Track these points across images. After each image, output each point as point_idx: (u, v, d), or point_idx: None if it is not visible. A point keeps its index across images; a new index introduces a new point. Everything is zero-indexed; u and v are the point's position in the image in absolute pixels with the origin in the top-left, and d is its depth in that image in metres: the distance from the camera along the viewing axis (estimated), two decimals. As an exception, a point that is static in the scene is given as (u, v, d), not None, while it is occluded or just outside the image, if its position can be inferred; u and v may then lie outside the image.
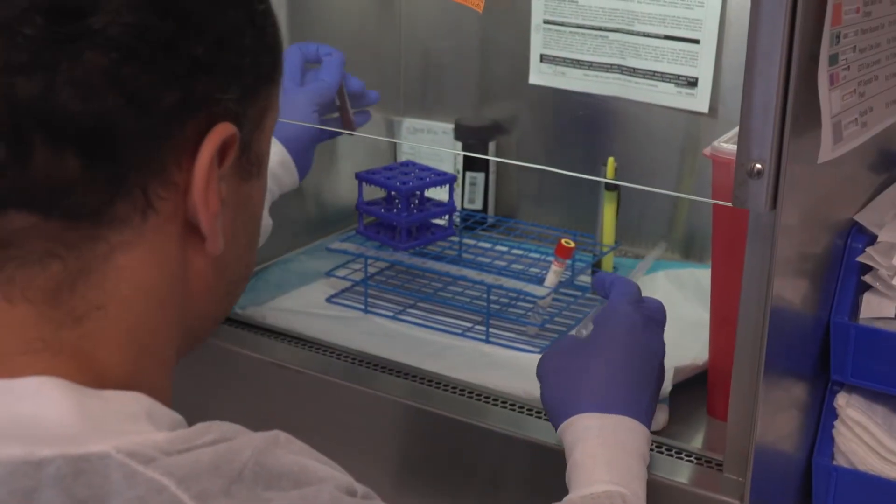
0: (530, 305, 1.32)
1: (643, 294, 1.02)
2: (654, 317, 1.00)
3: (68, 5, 0.57)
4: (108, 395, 0.61)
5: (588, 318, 0.99)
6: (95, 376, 0.62)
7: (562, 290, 1.35)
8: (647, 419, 0.94)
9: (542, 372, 0.98)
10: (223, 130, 0.64)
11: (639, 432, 0.92)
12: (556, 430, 0.94)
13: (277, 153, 1.24)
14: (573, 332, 1.00)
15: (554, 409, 0.95)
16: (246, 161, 0.69)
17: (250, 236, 0.74)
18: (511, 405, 1.12)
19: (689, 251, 1.52)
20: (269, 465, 0.59)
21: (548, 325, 1.29)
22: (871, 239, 1.03)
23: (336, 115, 1.35)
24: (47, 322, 0.61)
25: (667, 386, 1.10)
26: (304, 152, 1.29)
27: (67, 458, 0.55)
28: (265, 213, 1.21)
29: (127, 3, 0.58)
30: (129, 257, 0.63)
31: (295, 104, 1.27)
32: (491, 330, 1.28)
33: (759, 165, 0.83)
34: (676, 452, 1.04)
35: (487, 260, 1.48)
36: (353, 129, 1.35)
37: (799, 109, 0.83)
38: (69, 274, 0.61)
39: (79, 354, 0.62)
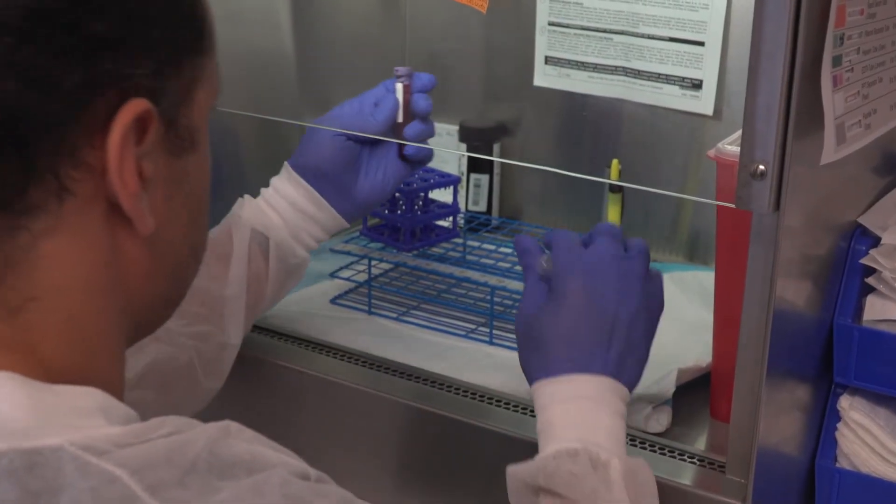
0: (534, 307, 1.32)
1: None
2: (602, 257, 0.96)
3: None
4: (60, 389, 0.60)
5: (544, 259, 0.99)
6: (44, 369, 0.61)
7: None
8: (614, 367, 0.93)
9: (516, 334, 0.99)
10: (135, 107, 0.62)
11: (603, 385, 0.92)
12: None
13: (299, 188, 1.18)
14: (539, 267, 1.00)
15: (525, 374, 0.97)
16: (175, 136, 0.67)
17: (193, 214, 0.72)
18: (514, 406, 1.12)
19: (692, 253, 1.52)
20: (222, 455, 0.58)
21: (551, 327, 1.28)
22: (875, 241, 1.03)
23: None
24: None
25: (670, 387, 1.11)
26: (337, 185, 1.19)
27: (20, 452, 0.55)
28: (301, 250, 1.20)
29: None
30: (53, 244, 0.62)
31: (317, 132, 1.20)
32: (494, 331, 1.28)
33: (762, 167, 0.83)
34: (679, 454, 1.04)
35: (491, 262, 1.48)
36: (402, 137, 1.22)
37: (802, 111, 0.83)
38: None
39: (22, 348, 0.61)
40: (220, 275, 1.13)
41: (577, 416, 0.91)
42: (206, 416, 0.65)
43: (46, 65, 0.58)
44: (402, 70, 1.23)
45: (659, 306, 0.99)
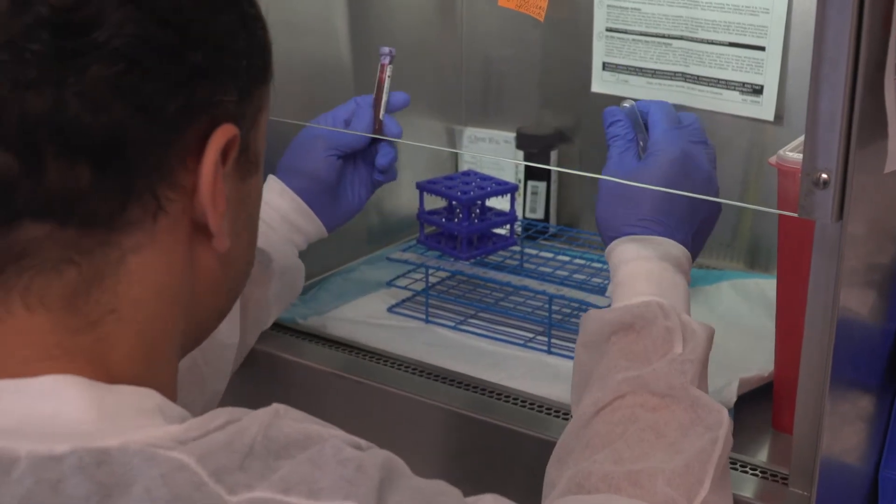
0: (592, 316, 1.31)
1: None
2: (695, 138, 1.05)
3: (73, 21, 0.59)
4: (122, 389, 0.63)
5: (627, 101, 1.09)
6: (107, 375, 0.64)
7: (624, 301, 1.34)
8: (688, 241, 1.01)
9: (599, 192, 1.05)
10: (226, 132, 0.66)
11: (679, 252, 0.99)
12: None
13: (292, 201, 1.24)
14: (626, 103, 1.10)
15: (604, 231, 1.04)
16: (245, 160, 0.71)
17: (250, 234, 0.76)
18: (573, 417, 1.11)
19: (754, 261, 1.51)
20: (276, 437, 0.61)
21: (610, 336, 1.27)
22: (941, 249, 1.02)
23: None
24: (64, 329, 0.63)
25: (731, 397, 1.09)
26: (323, 197, 1.26)
27: (88, 450, 0.57)
28: (296, 257, 1.25)
29: (128, 16, 0.60)
30: (140, 260, 0.65)
31: (307, 147, 1.26)
32: (553, 340, 1.27)
33: (825, 175, 0.82)
34: (741, 466, 1.02)
35: (549, 270, 1.47)
36: (379, 132, 1.28)
37: (865, 118, 0.81)
38: (84, 280, 0.63)
39: (94, 358, 0.64)
40: None
41: (662, 276, 0.97)
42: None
43: (152, 91, 0.62)
44: (385, 49, 1.28)
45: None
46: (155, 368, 0.68)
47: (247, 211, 0.74)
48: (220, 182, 0.66)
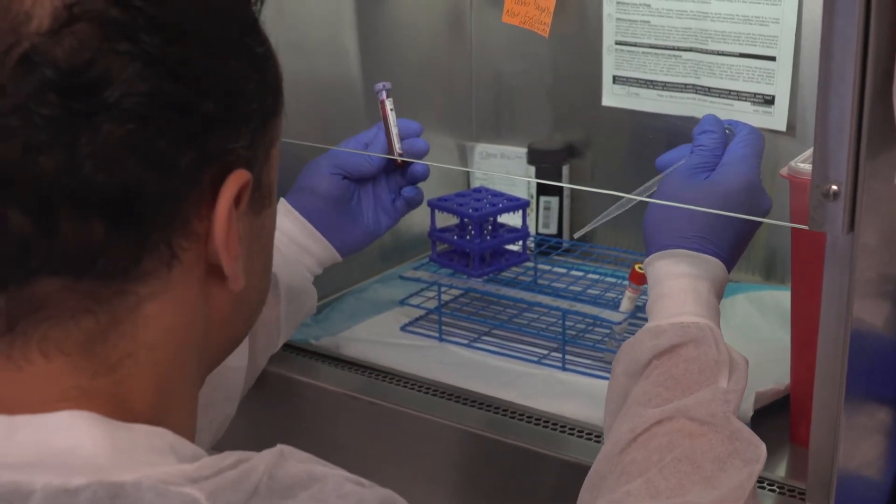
0: (607, 331, 1.30)
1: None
2: (759, 173, 1.03)
3: (81, 82, 0.58)
4: (135, 428, 0.63)
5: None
6: (124, 415, 0.64)
7: (638, 315, 1.33)
8: (731, 263, 1.00)
9: (657, 196, 1.03)
10: (239, 178, 0.66)
11: (722, 274, 0.98)
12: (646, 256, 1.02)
13: (295, 220, 1.22)
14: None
15: (650, 237, 1.02)
16: (259, 196, 0.71)
17: (264, 263, 0.76)
18: (589, 434, 1.10)
19: (769, 273, 1.50)
20: (280, 478, 0.61)
21: (625, 351, 1.26)
22: (956, 258, 1.00)
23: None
24: (83, 372, 0.63)
25: (748, 411, 1.08)
26: (329, 217, 1.24)
27: (103, 484, 0.57)
28: (306, 279, 1.24)
29: (138, 73, 0.59)
30: (156, 306, 0.65)
31: (313, 167, 1.26)
32: (567, 357, 1.27)
33: (835, 187, 0.81)
34: (758, 481, 1.01)
35: (562, 285, 1.47)
36: (395, 156, 1.26)
37: (875, 128, 0.81)
38: (101, 327, 0.63)
39: (111, 399, 0.64)
40: None
41: (709, 298, 0.96)
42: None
43: (165, 146, 0.61)
44: (379, 86, 1.28)
45: None
46: (171, 407, 0.68)
47: (261, 242, 0.74)
48: (234, 227, 0.66)
